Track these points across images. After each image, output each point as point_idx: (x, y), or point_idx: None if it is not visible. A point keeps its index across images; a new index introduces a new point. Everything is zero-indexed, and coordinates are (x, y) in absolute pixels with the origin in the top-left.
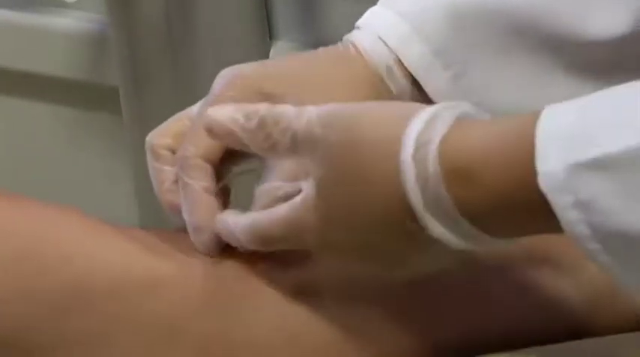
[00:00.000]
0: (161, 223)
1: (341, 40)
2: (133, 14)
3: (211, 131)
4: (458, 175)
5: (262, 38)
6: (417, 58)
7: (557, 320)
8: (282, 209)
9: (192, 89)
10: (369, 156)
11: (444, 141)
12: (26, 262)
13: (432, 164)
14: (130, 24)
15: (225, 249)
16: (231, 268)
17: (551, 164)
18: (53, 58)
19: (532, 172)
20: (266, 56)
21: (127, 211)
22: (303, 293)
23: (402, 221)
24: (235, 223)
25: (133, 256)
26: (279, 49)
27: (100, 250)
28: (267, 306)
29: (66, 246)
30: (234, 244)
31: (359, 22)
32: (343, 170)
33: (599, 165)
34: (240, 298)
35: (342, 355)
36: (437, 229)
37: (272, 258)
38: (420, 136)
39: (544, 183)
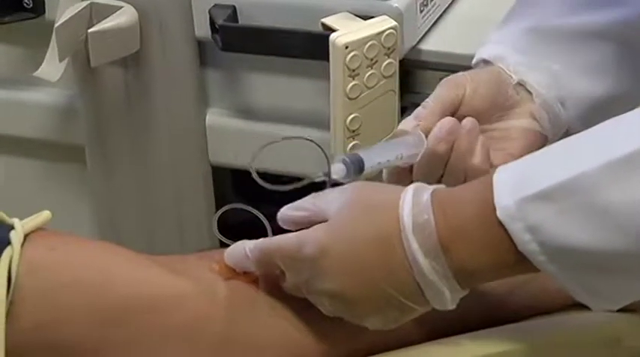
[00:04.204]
0: None
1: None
2: (98, 88)
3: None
4: (440, 207)
5: (199, 106)
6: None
7: (484, 300)
8: (292, 233)
9: (145, 147)
10: (378, 196)
11: (434, 192)
12: (82, 287)
13: (425, 198)
14: (96, 96)
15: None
16: (235, 284)
17: (505, 201)
18: (35, 124)
19: (493, 209)
20: (203, 120)
21: None
22: (293, 303)
23: (391, 236)
24: (247, 245)
25: (162, 277)
26: (213, 114)
27: (135, 273)
28: (263, 313)
29: (110, 272)
30: (245, 269)
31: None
32: (356, 206)
33: (539, 197)
34: (242, 307)
35: (322, 350)
36: (414, 245)
37: (270, 276)
38: (416, 188)
39: (501, 215)
